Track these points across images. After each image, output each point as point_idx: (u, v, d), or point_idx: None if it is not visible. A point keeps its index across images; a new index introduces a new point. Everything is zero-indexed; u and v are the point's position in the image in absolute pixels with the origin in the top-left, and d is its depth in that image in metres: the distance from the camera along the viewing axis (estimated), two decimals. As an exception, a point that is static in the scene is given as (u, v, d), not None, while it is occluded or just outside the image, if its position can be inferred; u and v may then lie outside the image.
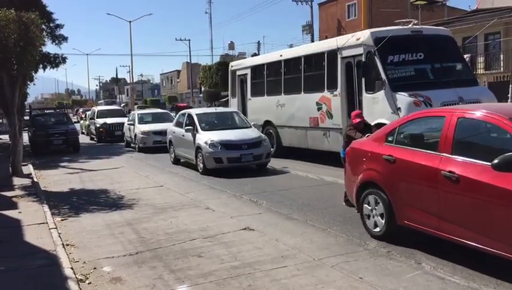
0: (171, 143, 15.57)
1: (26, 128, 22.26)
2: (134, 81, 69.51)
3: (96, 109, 30.08)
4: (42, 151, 20.29)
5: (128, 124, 21.84)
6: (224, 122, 14.41)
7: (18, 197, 10.17)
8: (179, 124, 15.10)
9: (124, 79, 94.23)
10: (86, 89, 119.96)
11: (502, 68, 25.15)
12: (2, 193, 10.55)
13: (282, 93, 15.14)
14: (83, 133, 31.08)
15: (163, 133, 18.16)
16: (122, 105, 58.99)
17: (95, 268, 5.74)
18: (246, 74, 17.56)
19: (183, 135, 14.19)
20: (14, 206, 9.28)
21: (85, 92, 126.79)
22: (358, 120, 8.35)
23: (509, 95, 19.26)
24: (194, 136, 13.39)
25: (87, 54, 78.53)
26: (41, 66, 21.26)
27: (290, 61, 15.07)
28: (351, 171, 7.00)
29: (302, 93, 14.15)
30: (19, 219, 8.18)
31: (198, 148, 13.03)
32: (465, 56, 13.21)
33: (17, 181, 12.22)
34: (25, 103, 26.61)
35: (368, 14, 26.37)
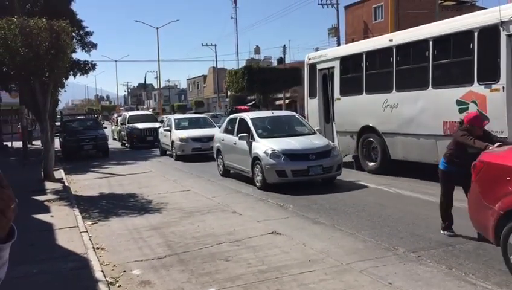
0: (220, 152, 13.55)
1: (58, 134, 22.79)
2: (162, 86, 70.51)
3: (128, 114, 29.61)
4: (73, 156, 20.72)
5: (164, 130, 20.37)
6: (283, 127, 12.50)
7: (50, 201, 10.41)
8: (228, 131, 13.26)
9: (152, 84, 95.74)
10: (114, 94, 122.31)
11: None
12: (34, 197, 10.82)
13: (394, 90, 11.62)
14: (114, 139, 30.93)
15: (203, 139, 17.47)
16: (150, 110, 59.79)
17: (124, 271, 5.82)
18: (332, 68, 14.03)
19: (235, 143, 12.36)
20: (46, 210, 9.51)
21: (114, 97, 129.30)
22: (484, 122, 6.43)
23: None
24: (249, 144, 11.52)
25: (115, 61, 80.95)
26: (71, 72, 21.78)
27: (408, 46, 11.49)
28: (483, 194, 5.27)
29: (430, 88, 10.60)
30: (51, 223, 8.37)
31: (255, 159, 11.13)
32: None
33: (49, 185, 12.51)
34: (56, 109, 27.24)
35: (395, 16, 26.13)
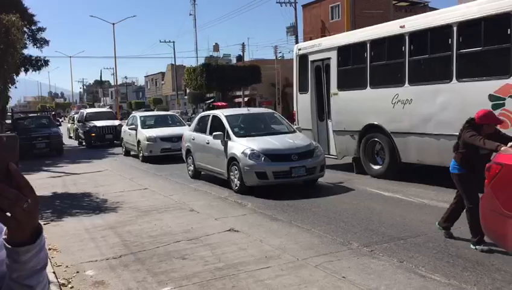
0: (189, 152, 12.54)
1: (8, 132, 21.97)
2: (119, 83, 69.25)
3: (85, 111, 28.22)
4: (25, 156, 20.01)
5: (129, 129, 18.73)
6: (261, 126, 11.65)
7: None
8: (200, 129, 12.35)
9: (108, 81, 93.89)
10: (69, 91, 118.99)
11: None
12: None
13: (406, 83, 10.17)
14: (70, 137, 29.86)
15: (173, 139, 16.18)
16: (107, 107, 58.60)
17: (77, 272, 5.69)
18: (328, 59, 12.49)
19: (207, 143, 11.44)
20: (-5, 211, 9.16)
21: (68, 94, 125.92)
22: (495, 120, 5.79)
23: None
24: (225, 144, 10.67)
25: (70, 57, 78.09)
26: (23, 69, 21.12)
27: (424, 33, 9.90)
28: (501, 200, 4.55)
29: (454, 81, 9.16)
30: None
31: (232, 160, 10.31)
32: None
33: (-2, 186, 12.05)
34: (7, 106, 26.28)
35: (351, 15, 26.68)
